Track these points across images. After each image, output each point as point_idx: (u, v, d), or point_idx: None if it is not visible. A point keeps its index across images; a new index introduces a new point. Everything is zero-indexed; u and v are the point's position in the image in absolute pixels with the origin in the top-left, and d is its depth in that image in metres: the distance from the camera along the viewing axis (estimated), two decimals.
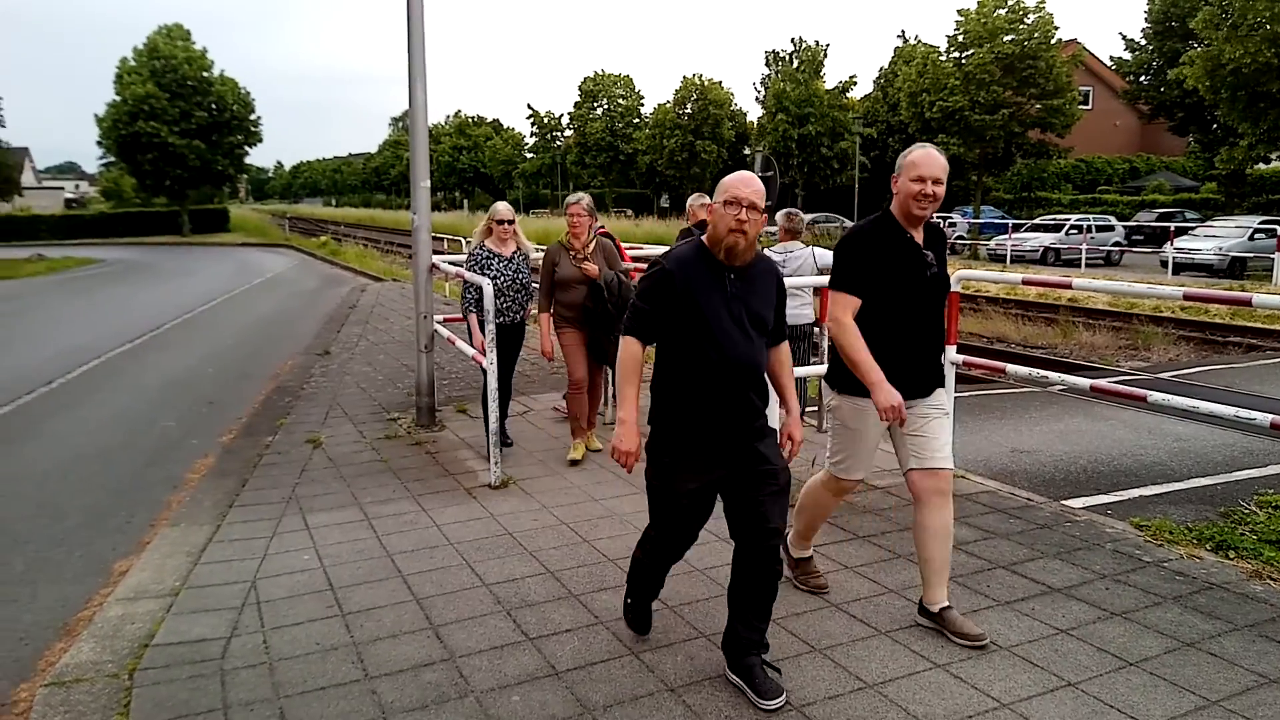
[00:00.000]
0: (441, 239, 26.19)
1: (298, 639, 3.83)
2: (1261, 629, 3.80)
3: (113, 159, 56.35)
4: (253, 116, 55.87)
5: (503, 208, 6.70)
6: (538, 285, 6.53)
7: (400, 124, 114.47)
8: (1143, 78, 39.55)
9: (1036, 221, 32.24)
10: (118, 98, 51.08)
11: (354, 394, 9.04)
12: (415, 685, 3.44)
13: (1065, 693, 3.32)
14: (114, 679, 3.54)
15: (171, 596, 4.28)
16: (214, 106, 53.57)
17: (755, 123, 57.40)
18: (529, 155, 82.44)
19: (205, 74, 52.93)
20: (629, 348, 3.29)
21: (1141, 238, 30.33)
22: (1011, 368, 6.01)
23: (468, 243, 26.44)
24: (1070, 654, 3.62)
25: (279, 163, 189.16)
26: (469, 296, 6.46)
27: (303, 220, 74.42)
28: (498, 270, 6.46)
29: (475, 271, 6.36)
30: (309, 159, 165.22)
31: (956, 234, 34.77)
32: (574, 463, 6.38)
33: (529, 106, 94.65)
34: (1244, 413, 4.40)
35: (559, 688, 3.41)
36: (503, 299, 6.42)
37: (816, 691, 3.36)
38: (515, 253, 6.64)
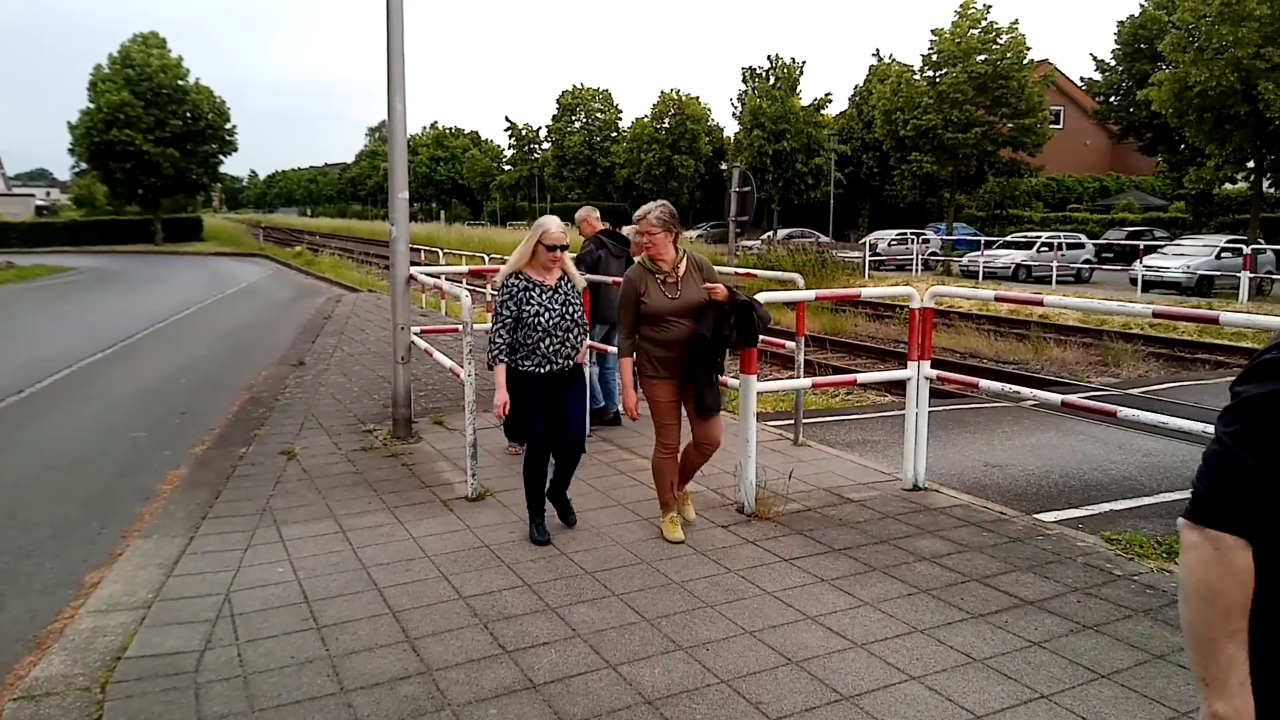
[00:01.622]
0: (418, 250, 26.10)
1: (272, 652, 3.80)
2: None
3: (85, 166, 55.75)
4: (228, 125, 55.52)
5: (555, 228, 5.07)
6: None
7: (377, 134, 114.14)
8: (1113, 98, 40.24)
9: (1008, 239, 32.61)
10: (91, 105, 50.58)
11: (329, 405, 8.98)
12: (392, 699, 3.42)
13: (1039, 704, 3.37)
14: (85, 692, 3.49)
15: (144, 609, 4.24)
16: (189, 115, 53.17)
17: (732, 138, 57.75)
18: (507, 167, 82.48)
19: (181, 82, 52.53)
20: (1233, 559, 1.42)
21: (1111, 255, 30.76)
22: (984, 383, 6.08)
23: (445, 254, 26.11)
24: (1043, 666, 3.66)
25: (254, 172, 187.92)
26: (499, 343, 4.97)
27: (277, 230, 73.88)
28: (542, 304, 4.99)
29: (511, 308, 4.99)
30: (284, 168, 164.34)
31: (930, 250, 35.12)
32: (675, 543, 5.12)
33: (507, 119, 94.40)
34: (1212, 429, 4.48)
35: (537, 701, 3.41)
36: (550, 340, 5.00)
37: (793, 704, 3.37)
38: (561, 279, 5.16)
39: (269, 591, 4.43)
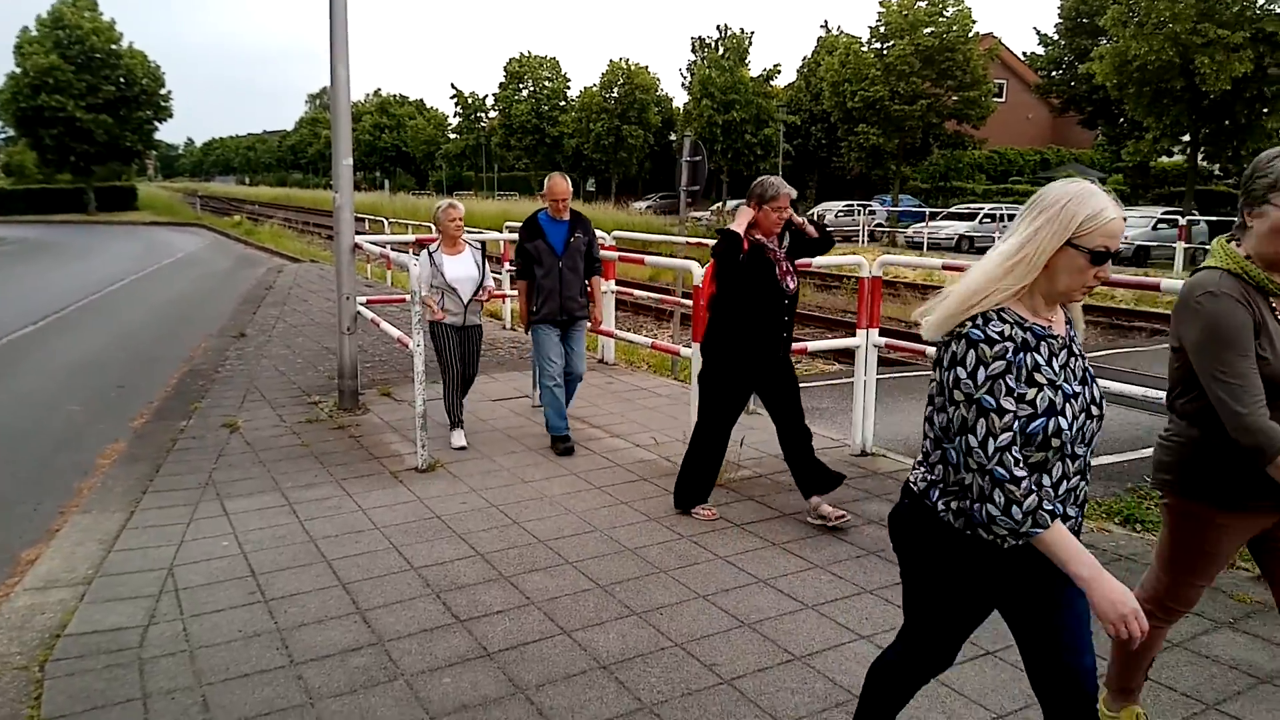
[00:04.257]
0: (362, 219, 25.65)
1: (219, 626, 3.73)
2: None
3: (12, 133, 53.60)
4: (163, 90, 53.77)
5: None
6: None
7: (318, 101, 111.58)
8: (1054, 72, 40.84)
9: (952, 210, 33.08)
10: (18, 69, 48.54)
11: (272, 377, 8.80)
12: (343, 670, 3.39)
13: (985, 661, 3.45)
14: (23, 671, 3.39)
15: (84, 585, 4.13)
16: (122, 80, 51.32)
17: (681, 109, 57.54)
18: (453, 136, 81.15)
19: (113, 46, 50.65)
20: None
21: None
22: (931, 350, 6.17)
23: (390, 224, 25.76)
24: (988, 624, 3.73)
25: (190, 139, 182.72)
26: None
27: (215, 199, 71.96)
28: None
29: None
30: (222, 136, 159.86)
31: (876, 222, 35.48)
32: None
33: (453, 86, 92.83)
34: (1152, 393, 4.61)
35: (491, 668, 3.40)
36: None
37: (746, 665, 3.41)
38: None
39: (214, 565, 4.35)
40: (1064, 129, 48.30)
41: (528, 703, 3.17)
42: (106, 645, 3.58)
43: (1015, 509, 1.92)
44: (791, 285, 4.77)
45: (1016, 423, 1.93)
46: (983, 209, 31.17)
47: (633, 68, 58.90)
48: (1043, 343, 2.03)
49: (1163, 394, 4.53)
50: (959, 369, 1.97)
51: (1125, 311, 15.66)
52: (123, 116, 51.48)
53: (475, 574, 4.25)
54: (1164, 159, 32.97)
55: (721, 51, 52.19)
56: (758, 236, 4.71)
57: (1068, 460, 2.04)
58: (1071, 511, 2.10)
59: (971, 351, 1.96)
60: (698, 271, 5.57)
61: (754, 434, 6.55)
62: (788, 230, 4.84)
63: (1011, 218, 28.09)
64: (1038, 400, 1.96)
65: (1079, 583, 1.95)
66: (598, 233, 7.00)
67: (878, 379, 6.22)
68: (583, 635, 3.66)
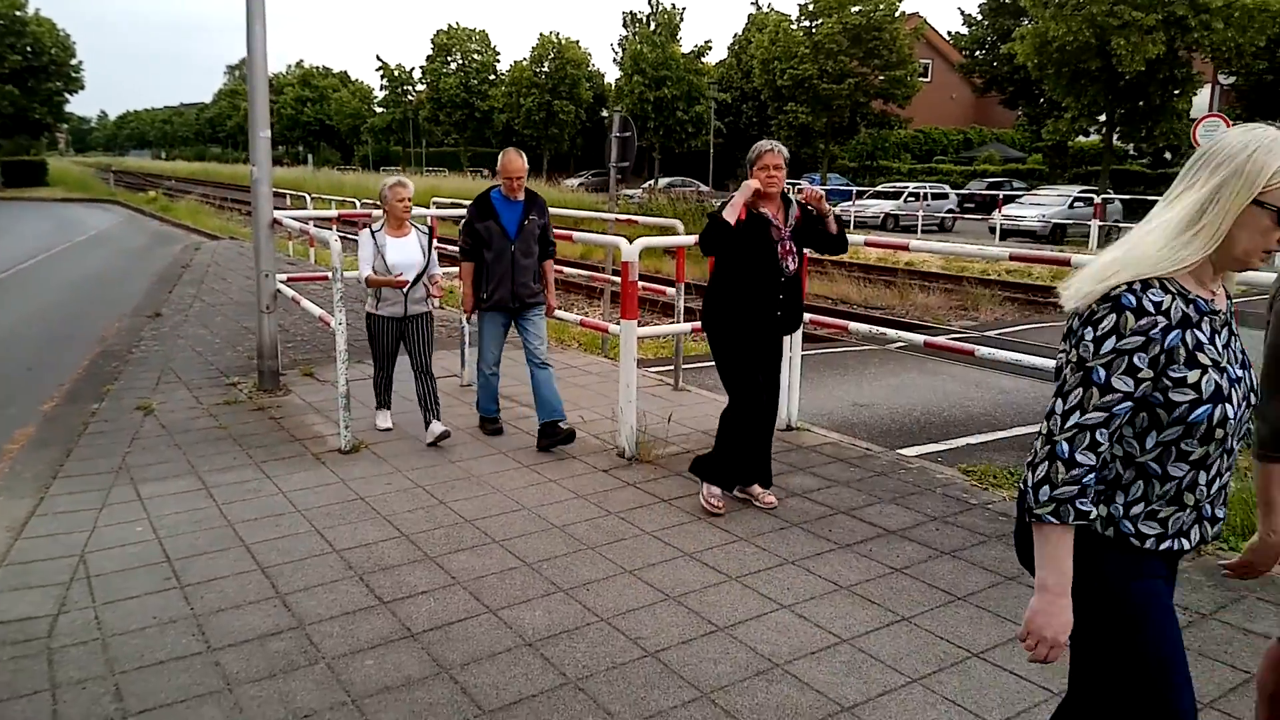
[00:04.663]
0: (284, 195, 24.96)
1: (133, 613, 3.63)
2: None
3: None
4: (73, 61, 51.52)
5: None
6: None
7: (237, 72, 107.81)
8: (978, 52, 41.75)
9: (878, 189, 33.62)
10: None
11: (189, 358, 8.55)
12: (262, 655, 3.33)
13: (900, 626, 3.55)
14: None
15: None
16: (29, 49, 49.00)
17: (613, 85, 57.22)
18: (379, 109, 79.37)
19: (18, 13, 48.21)
20: None
21: (973, 205, 32.13)
22: (854, 325, 6.28)
23: (313, 200, 25.19)
24: (904, 591, 3.86)
25: (103, 112, 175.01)
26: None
27: (130, 174, 69.19)
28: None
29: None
30: (137, 108, 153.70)
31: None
32: None
33: (378, 58, 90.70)
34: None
35: (415, 649, 3.38)
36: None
37: (670, 637, 3.46)
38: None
39: (127, 551, 4.22)
40: (986, 109, 49.42)
41: (452, 682, 3.16)
42: (12, 636, 3.45)
43: (1046, 488, 1.73)
44: (791, 266, 4.56)
45: (1118, 407, 1.70)
46: (907, 187, 31.74)
47: (564, 42, 58.35)
48: (1205, 319, 1.75)
49: None
50: (1088, 329, 1.72)
51: (1041, 288, 16.14)
52: (30, 88, 49.24)
53: (400, 555, 4.21)
54: (1081, 139, 33.97)
55: (653, 27, 51.98)
56: (762, 209, 4.53)
57: (1225, 456, 1.79)
58: (1220, 513, 1.87)
59: (1112, 316, 1.70)
60: (625, 248, 5.56)
61: (681, 410, 6.60)
62: (804, 212, 4.64)
63: (935, 196, 28.65)
64: (1203, 384, 1.71)
65: (1036, 586, 1.80)
66: None
67: (803, 355, 6.32)
68: (509, 613, 3.66)
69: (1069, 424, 1.72)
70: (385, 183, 5.90)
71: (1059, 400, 1.75)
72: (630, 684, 3.15)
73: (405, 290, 5.73)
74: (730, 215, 4.49)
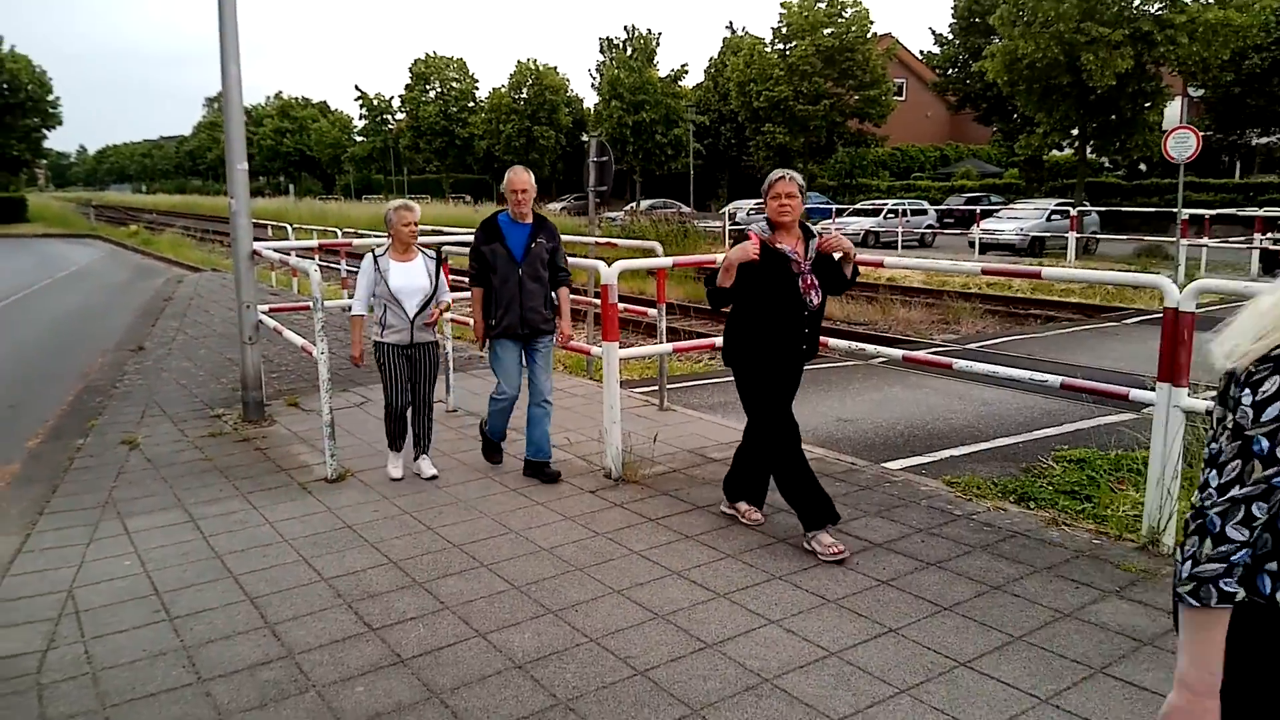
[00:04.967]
0: (265, 226, 24.96)
1: (122, 647, 3.63)
2: (1058, 570, 4.21)
3: None
4: (50, 96, 51.50)
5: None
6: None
7: (216, 105, 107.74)
8: (950, 70, 42.28)
9: (858, 206, 33.90)
10: None
11: (173, 391, 8.53)
12: (252, 684, 3.33)
13: (887, 638, 3.59)
14: None
15: None
16: (5, 86, 49.06)
17: (592, 109, 57.60)
18: (359, 139, 79.51)
19: None
20: None
21: (952, 220, 32.44)
22: (834, 342, 6.35)
23: (295, 230, 25.18)
24: (891, 603, 3.90)
25: (83, 147, 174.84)
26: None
27: (111, 208, 69.01)
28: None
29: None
30: (116, 143, 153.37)
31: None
32: None
33: (357, 88, 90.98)
34: (1037, 375, 4.85)
35: (405, 675, 3.39)
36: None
37: (660, 656, 3.48)
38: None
39: (116, 585, 4.21)
40: (961, 125, 50.02)
41: (442, 706, 3.17)
42: (3, 672, 3.44)
43: (1189, 564, 1.56)
44: (815, 300, 4.40)
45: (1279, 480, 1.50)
46: (887, 204, 32.03)
47: (541, 68, 58.79)
48: None
49: (1054, 379, 4.76)
50: (1246, 393, 1.53)
51: (1021, 300, 16.32)
52: (7, 124, 49.27)
53: (388, 582, 4.22)
54: (1056, 153, 34.42)
55: (629, 52, 52.44)
56: (779, 244, 4.36)
57: None
58: None
59: (1275, 379, 1.51)
60: (604, 271, 5.61)
61: (667, 430, 6.64)
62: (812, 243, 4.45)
63: (915, 212, 28.88)
64: None
65: (1176, 679, 1.60)
66: None
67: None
68: (498, 636, 3.67)
69: (1224, 498, 1.54)
70: (390, 206, 5.67)
71: (1213, 471, 1.57)
72: (620, 703, 3.17)
73: (412, 317, 5.52)
74: (724, 280, 4.36)
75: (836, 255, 4.38)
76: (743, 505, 4.91)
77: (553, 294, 5.69)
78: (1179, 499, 4.33)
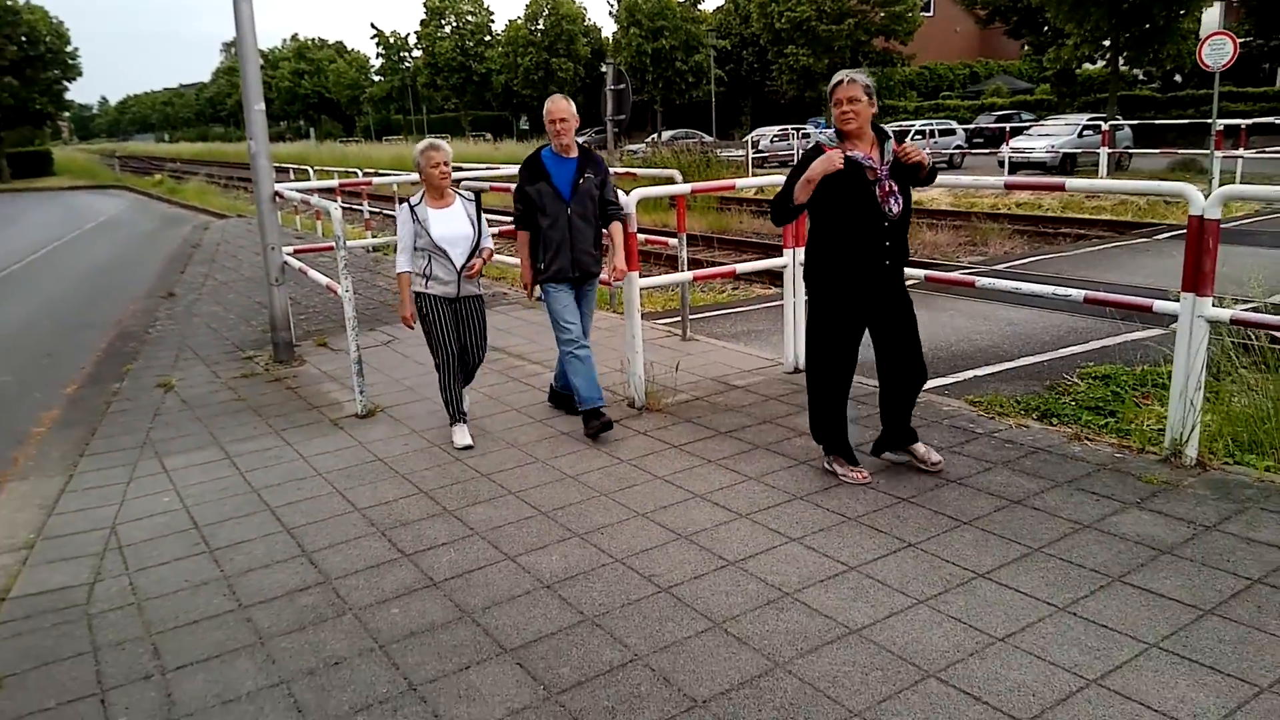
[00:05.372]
0: (287, 169, 24.97)
1: (165, 578, 3.78)
2: (1079, 483, 4.23)
3: None
4: (69, 48, 51.39)
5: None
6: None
7: (232, 50, 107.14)
8: None
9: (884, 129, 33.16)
10: None
11: (205, 335, 8.68)
12: (291, 609, 3.47)
13: (906, 553, 3.65)
14: None
15: (26, 549, 4.13)
16: (24, 39, 48.91)
17: (610, 38, 56.51)
18: (376, 78, 78.79)
19: (9, 3, 48.02)
20: None
21: (982, 140, 31.75)
22: None
23: (316, 172, 25.11)
24: (910, 519, 3.95)
25: (104, 98, 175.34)
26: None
27: (135, 159, 69.37)
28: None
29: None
30: (137, 92, 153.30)
31: (811, 143, 35.48)
32: None
33: (373, 26, 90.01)
34: (1060, 290, 4.80)
35: (438, 596, 3.51)
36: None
37: (683, 574, 3.57)
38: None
39: (156, 521, 4.37)
40: (991, 40, 48.49)
41: (474, 624, 3.29)
42: (53, 604, 3.61)
43: None
44: (895, 209, 4.10)
45: None
46: (914, 125, 31.36)
47: None
48: None
49: (1077, 292, 4.71)
50: None
51: (1051, 219, 16.02)
52: (29, 78, 49.27)
53: (419, 510, 4.33)
54: (1088, 65, 33.36)
55: None
56: (851, 150, 4.08)
57: None
58: None
59: None
60: (623, 199, 5.58)
61: (689, 359, 6.68)
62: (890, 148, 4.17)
63: (943, 133, 28.19)
64: None
65: None
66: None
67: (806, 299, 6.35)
68: (526, 559, 3.77)
69: None
70: (417, 148, 5.19)
71: None
72: (645, 618, 3.26)
73: (459, 267, 5.09)
74: (802, 196, 4.12)
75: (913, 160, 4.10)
76: (919, 448, 4.51)
77: (603, 230, 5.37)
78: (1202, 411, 4.32)
